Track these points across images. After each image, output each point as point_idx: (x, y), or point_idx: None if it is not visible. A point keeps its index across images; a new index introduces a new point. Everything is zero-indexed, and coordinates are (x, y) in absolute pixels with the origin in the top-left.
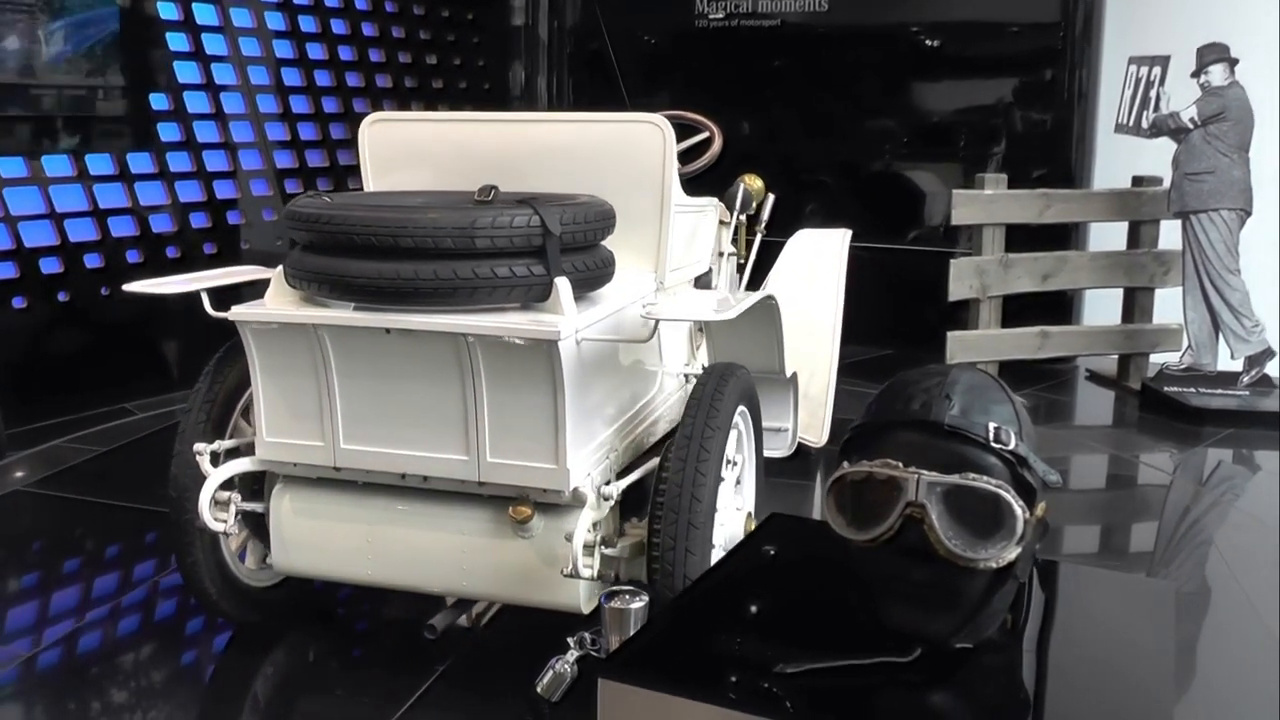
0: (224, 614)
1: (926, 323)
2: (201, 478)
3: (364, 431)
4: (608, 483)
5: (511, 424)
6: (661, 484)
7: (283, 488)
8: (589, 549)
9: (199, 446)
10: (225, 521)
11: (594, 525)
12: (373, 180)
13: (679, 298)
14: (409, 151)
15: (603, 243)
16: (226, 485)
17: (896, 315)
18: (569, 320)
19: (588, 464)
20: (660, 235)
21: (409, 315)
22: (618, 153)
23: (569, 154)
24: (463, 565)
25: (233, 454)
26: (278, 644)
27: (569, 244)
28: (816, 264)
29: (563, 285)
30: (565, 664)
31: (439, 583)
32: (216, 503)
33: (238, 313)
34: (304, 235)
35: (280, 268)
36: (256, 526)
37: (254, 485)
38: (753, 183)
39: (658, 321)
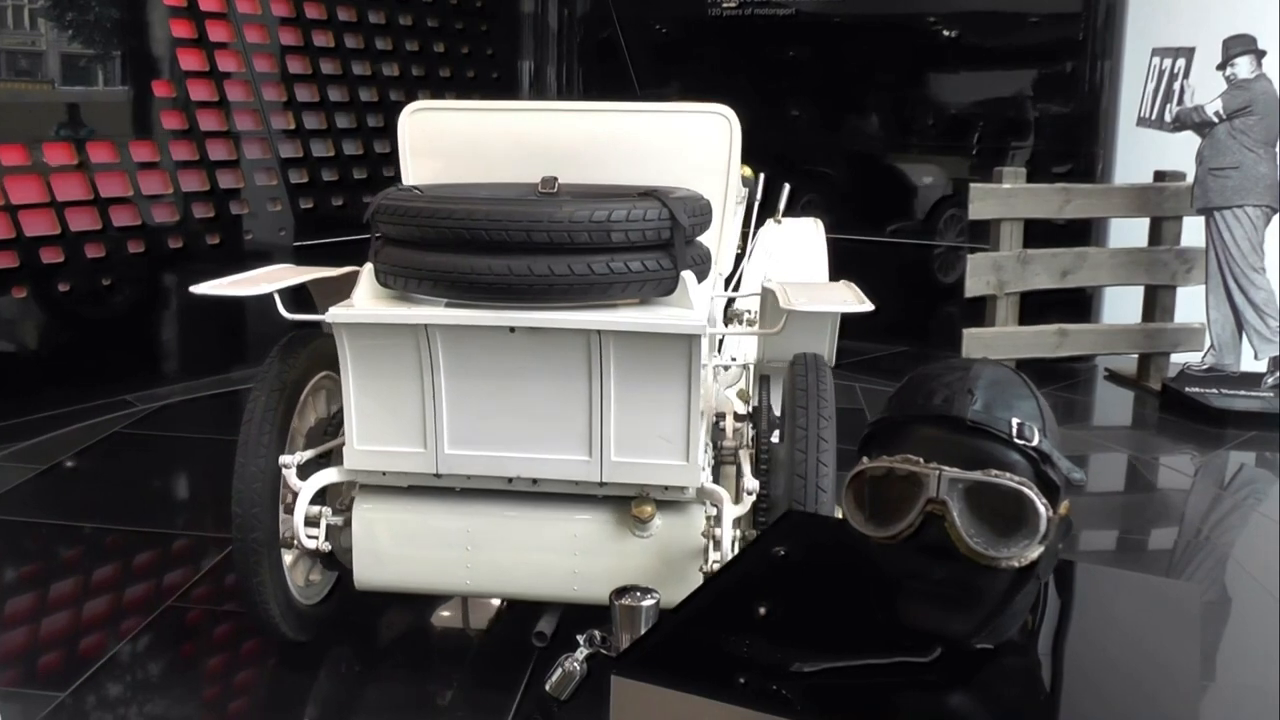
0: (282, 635)
1: (937, 318)
2: (268, 494)
3: (472, 435)
4: (711, 480)
5: (640, 421)
6: (763, 476)
7: (368, 498)
8: (733, 544)
9: (286, 459)
10: (317, 539)
11: (736, 521)
12: (412, 171)
13: (810, 289)
14: (452, 141)
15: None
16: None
17: (908, 310)
18: (700, 314)
19: (703, 459)
20: (723, 227)
21: (535, 313)
22: (682, 143)
23: (628, 144)
24: (575, 569)
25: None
26: (313, 661)
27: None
28: (798, 252)
29: (690, 279)
30: (575, 662)
31: (547, 589)
32: (307, 519)
33: (336, 314)
34: (412, 231)
35: (369, 265)
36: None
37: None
38: (744, 172)
39: (788, 313)
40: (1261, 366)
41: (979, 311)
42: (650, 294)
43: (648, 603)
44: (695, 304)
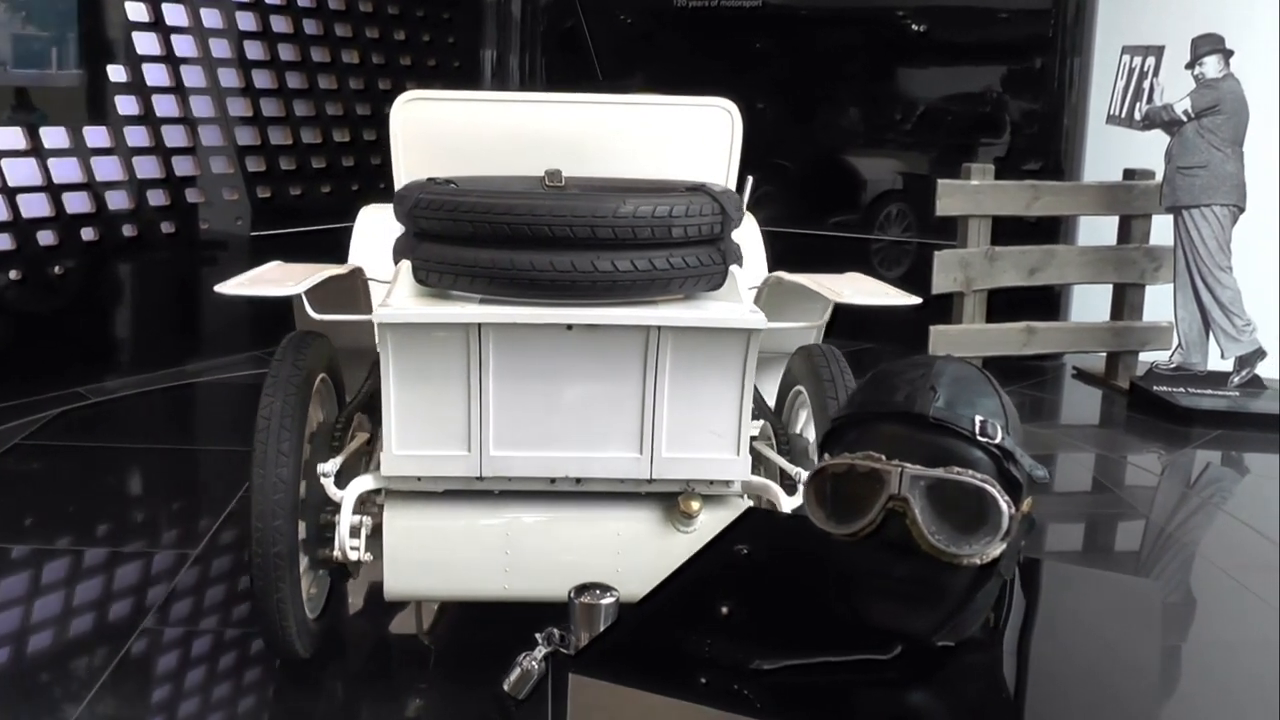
0: (295, 654)
1: (897, 315)
2: (289, 504)
3: (518, 436)
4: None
5: (692, 416)
6: None
7: (400, 505)
8: None
9: (325, 468)
10: (359, 549)
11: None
12: (404, 162)
13: (860, 282)
14: (447, 132)
15: None
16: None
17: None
18: (749, 307)
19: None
20: None
21: (594, 309)
22: (684, 136)
23: (628, 137)
24: (618, 568)
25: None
26: (304, 677)
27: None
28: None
29: (738, 273)
30: (533, 661)
31: None
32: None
33: (385, 314)
34: (464, 227)
35: (407, 262)
36: None
37: (327, 506)
38: None
39: (832, 305)
40: (1228, 365)
41: (946, 308)
42: (702, 289)
43: (607, 600)
44: (745, 298)
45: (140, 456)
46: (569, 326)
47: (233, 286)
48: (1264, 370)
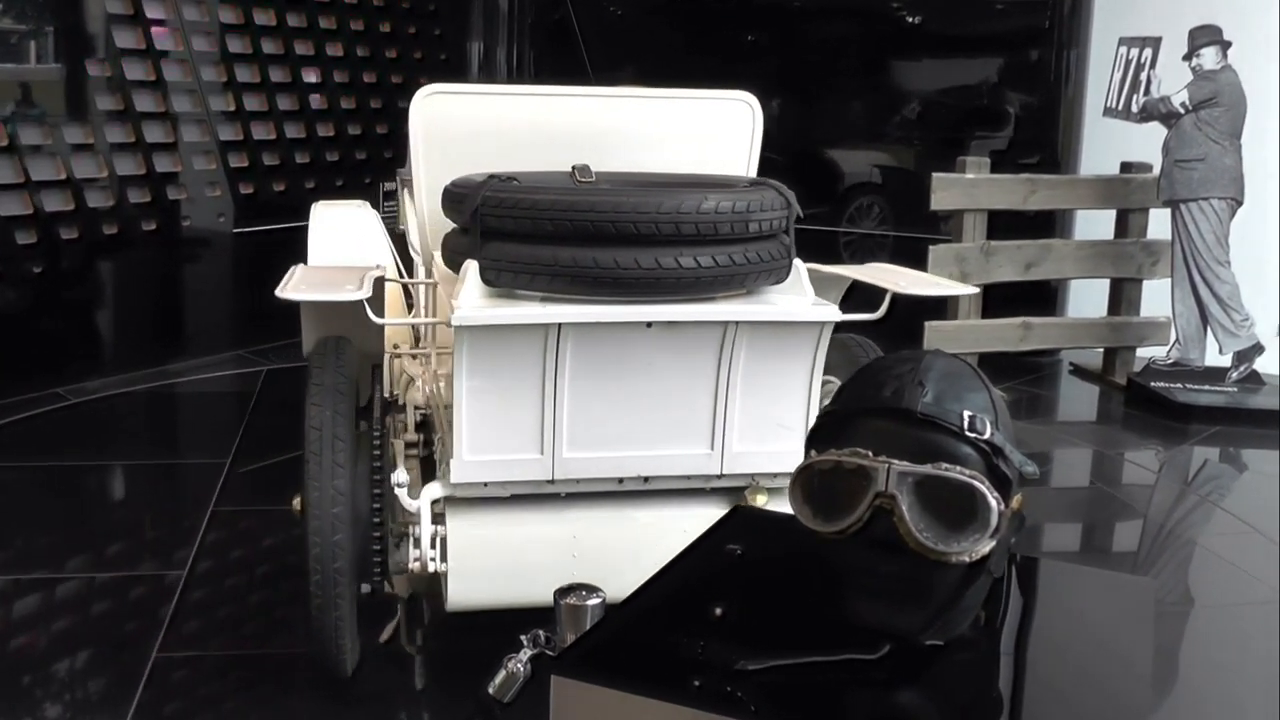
0: (343, 674)
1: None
2: (348, 517)
3: (590, 436)
4: None
5: (763, 410)
6: None
7: (464, 512)
8: None
9: (400, 478)
10: (436, 560)
11: None
12: (423, 158)
13: (912, 275)
14: (469, 127)
15: None
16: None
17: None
18: (816, 300)
19: None
20: None
21: (674, 306)
22: (706, 131)
23: (650, 132)
24: None
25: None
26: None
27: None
28: None
29: (801, 267)
30: (518, 663)
31: None
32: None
33: (465, 317)
34: (543, 225)
35: (472, 263)
36: None
37: (375, 516)
38: None
39: (890, 295)
40: (1226, 361)
41: (941, 303)
42: (769, 283)
43: (593, 602)
44: (808, 291)
45: (121, 464)
46: (649, 324)
47: (291, 292)
48: (1262, 365)
